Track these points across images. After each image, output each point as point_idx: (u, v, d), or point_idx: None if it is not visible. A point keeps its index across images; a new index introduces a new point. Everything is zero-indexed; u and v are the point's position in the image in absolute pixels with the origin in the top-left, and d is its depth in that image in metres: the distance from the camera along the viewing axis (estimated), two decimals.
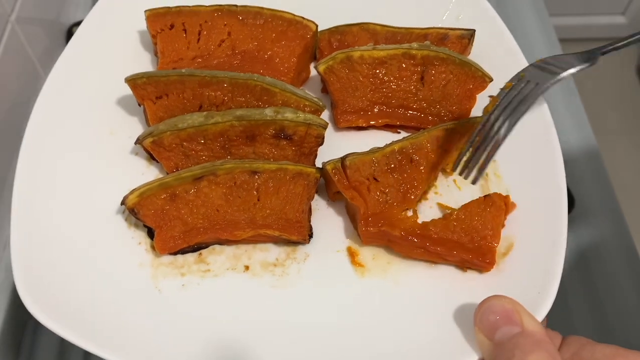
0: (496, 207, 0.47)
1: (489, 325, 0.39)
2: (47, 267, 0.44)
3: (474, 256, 0.45)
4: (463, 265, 0.46)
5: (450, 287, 0.45)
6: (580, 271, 0.60)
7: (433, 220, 0.47)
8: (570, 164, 0.67)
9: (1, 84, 0.64)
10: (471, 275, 0.46)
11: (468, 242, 0.46)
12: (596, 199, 0.65)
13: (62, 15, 0.83)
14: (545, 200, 0.47)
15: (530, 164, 0.50)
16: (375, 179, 0.48)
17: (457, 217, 0.47)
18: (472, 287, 0.45)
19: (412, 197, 0.48)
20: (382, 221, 0.46)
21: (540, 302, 0.42)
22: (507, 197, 0.48)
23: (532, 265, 0.45)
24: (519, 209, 0.47)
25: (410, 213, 0.48)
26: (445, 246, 0.46)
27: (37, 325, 0.63)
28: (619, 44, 0.47)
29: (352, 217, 0.49)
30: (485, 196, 0.47)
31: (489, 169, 0.51)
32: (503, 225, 0.47)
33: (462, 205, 0.47)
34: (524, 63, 0.56)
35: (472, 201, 0.47)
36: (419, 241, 0.45)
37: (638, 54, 1.38)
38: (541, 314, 0.41)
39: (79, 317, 0.42)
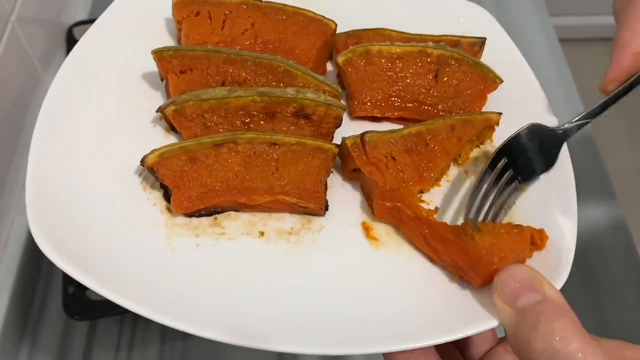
0: (522, 237, 0.43)
1: (510, 293, 0.39)
2: (62, 219, 0.44)
3: (470, 266, 0.42)
4: (456, 272, 0.44)
5: None
6: (580, 271, 0.61)
7: (451, 225, 0.44)
8: None
9: (1, 84, 0.64)
10: None
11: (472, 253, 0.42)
12: (596, 199, 0.66)
13: (62, 15, 0.84)
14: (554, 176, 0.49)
15: None
16: (392, 157, 0.49)
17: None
18: None
19: (428, 178, 0.49)
20: (398, 198, 0.47)
21: (555, 277, 0.43)
22: (541, 231, 0.44)
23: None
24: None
25: (431, 205, 0.48)
26: (445, 246, 0.44)
27: (37, 325, 0.61)
28: (585, 122, 0.49)
29: (367, 195, 0.49)
30: (516, 225, 0.44)
31: None
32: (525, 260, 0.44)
33: (489, 224, 0.44)
34: (530, 75, 0.59)
35: (501, 224, 0.44)
36: (424, 227, 0.45)
37: None
38: (557, 287, 0.42)
39: (92, 262, 0.41)
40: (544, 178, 0.48)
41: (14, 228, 0.65)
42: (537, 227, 0.44)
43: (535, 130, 0.50)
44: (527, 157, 0.49)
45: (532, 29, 0.59)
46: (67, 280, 0.59)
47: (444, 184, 0.52)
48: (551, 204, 0.48)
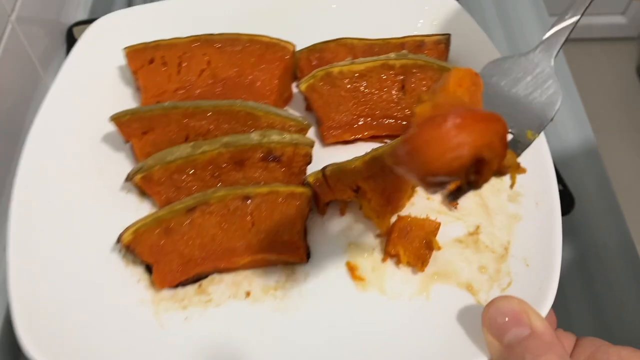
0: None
1: (497, 328, 0.39)
2: (49, 314, 0.44)
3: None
4: None
5: (452, 290, 0.45)
6: (580, 271, 0.60)
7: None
8: (570, 164, 0.67)
9: (1, 84, 0.64)
10: (473, 276, 0.46)
11: None
12: (596, 199, 0.64)
13: (62, 16, 0.83)
14: (538, 194, 0.48)
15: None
16: (358, 186, 0.48)
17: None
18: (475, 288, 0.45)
19: (397, 202, 0.48)
20: None
21: (542, 298, 0.42)
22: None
23: (530, 262, 0.45)
24: None
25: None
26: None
27: None
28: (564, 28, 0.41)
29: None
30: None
31: None
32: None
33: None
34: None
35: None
36: None
37: (638, 54, 1.37)
38: (545, 308, 0.42)
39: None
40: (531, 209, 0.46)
41: None
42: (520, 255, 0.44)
43: (505, 70, 0.40)
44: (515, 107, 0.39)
45: (532, 29, 0.56)
46: None
47: (417, 200, 0.50)
48: (536, 235, 0.47)
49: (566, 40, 0.42)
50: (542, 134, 0.49)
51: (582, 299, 0.58)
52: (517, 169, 0.34)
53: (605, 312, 0.57)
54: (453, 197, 0.33)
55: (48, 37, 0.77)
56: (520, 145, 0.38)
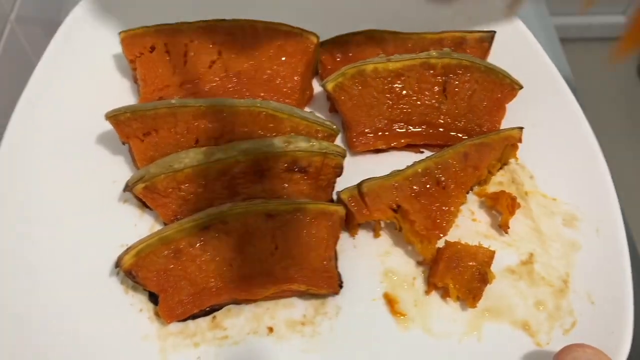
0: None
1: None
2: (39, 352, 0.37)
3: None
4: None
5: (506, 330, 0.39)
6: None
7: None
8: None
9: (1, 84, 0.60)
10: (530, 313, 0.40)
11: None
12: None
13: (62, 15, 0.79)
14: (599, 219, 0.42)
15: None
16: (398, 205, 0.41)
17: None
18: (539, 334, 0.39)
19: (444, 224, 0.42)
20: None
21: (617, 345, 0.37)
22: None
23: (595, 299, 0.39)
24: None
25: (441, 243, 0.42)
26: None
27: None
28: None
29: None
30: None
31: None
32: None
33: None
34: (547, 62, 0.51)
35: None
36: None
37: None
38: (621, 354, 0.36)
39: None
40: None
41: None
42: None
43: None
44: None
45: (532, 29, 0.52)
46: None
47: (461, 221, 0.44)
48: (599, 267, 0.42)
49: None
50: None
51: None
52: None
53: None
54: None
55: (48, 37, 0.73)
56: None
